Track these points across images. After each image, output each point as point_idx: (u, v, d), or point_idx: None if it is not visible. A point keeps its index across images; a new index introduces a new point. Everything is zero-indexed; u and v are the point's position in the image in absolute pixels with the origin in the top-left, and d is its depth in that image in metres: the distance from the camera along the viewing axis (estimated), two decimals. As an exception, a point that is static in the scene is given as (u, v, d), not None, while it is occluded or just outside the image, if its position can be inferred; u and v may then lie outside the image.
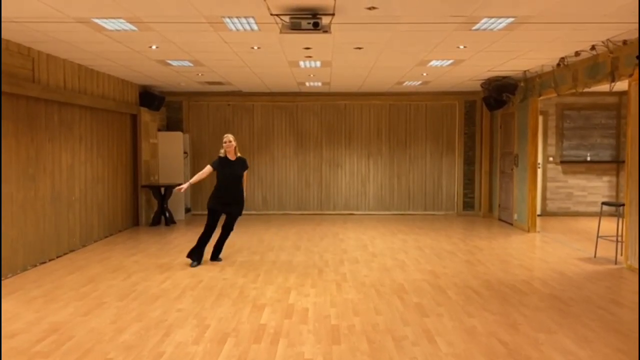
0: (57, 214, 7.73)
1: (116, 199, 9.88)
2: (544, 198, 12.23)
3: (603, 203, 7.93)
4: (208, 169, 7.25)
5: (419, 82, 10.72)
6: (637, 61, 6.40)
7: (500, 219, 11.56)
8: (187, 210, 11.97)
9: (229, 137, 7.27)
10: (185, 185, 7.26)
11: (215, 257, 7.46)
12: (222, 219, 7.40)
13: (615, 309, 5.26)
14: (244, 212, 7.46)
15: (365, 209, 12.57)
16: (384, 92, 12.15)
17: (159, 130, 11.72)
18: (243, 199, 7.39)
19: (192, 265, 7.11)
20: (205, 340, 4.40)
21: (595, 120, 12.20)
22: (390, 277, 6.55)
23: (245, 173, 7.38)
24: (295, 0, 5.02)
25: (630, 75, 6.76)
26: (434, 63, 8.46)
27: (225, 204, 7.25)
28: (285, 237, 9.40)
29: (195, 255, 7.21)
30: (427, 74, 9.62)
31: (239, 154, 7.37)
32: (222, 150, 7.26)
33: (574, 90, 8.26)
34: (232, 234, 7.50)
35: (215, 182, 7.32)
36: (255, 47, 7.22)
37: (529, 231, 9.94)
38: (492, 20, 5.76)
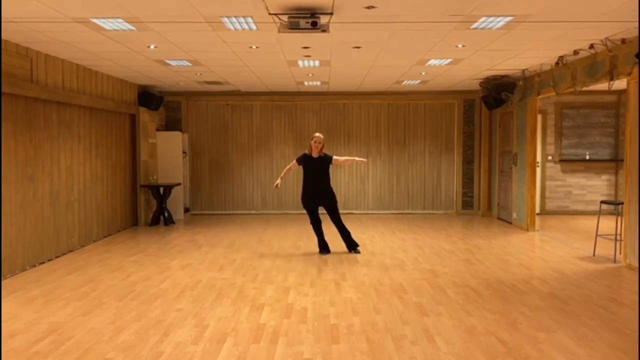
0: (56, 214, 7.73)
1: (115, 199, 9.88)
2: (543, 197, 12.23)
3: (602, 202, 7.93)
4: (293, 163, 8.00)
5: (418, 81, 10.72)
6: (636, 60, 6.40)
7: (499, 218, 11.56)
8: (186, 210, 11.96)
9: (316, 137, 7.78)
10: (278, 181, 8.01)
11: (350, 248, 7.99)
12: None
13: (614, 307, 5.26)
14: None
15: (365, 208, 12.57)
16: (383, 91, 12.15)
17: (158, 130, 11.71)
18: (331, 190, 7.89)
19: (323, 254, 7.85)
20: (204, 340, 4.39)
21: (594, 119, 12.20)
22: (389, 276, 6.55)
23: (335, 159, 7.84)
24: (293, 0, 5.02)
25: (629, 74, 6.77)
26: (432, 62, 8.46)
27: (315, 199, 7.83)
28: (284, 237, 9.40)
29: (322, 248, 7.94)
30: (425, 73, 9.62)
31: (323, 153, 7.80)
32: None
33: (572, 89, 8.26)
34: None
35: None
36: (254, 47, 7.21)
37: (528, 230, 9.94)
38: (491, 19, 5.76)
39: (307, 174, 7.81)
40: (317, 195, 7.81)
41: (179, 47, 7.18)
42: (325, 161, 7.80)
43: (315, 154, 7.74)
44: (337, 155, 7.94)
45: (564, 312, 5.10)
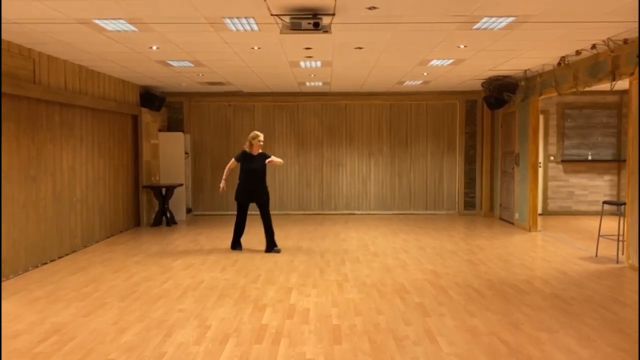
0: (58, 215, 7.74)
1: (117, 199, 9.89)
2: (545, 197, 12.22)
3: (604, 202, 7.92)
4: (232, 162, 8.13)
5: (420, 82, 10.72)
6: (637, 60, 6.39)
7: (501, 219, 11.55)
8: (189, 210, 11.97)
9: (260, 136, 8.05)
10: (222, 184, 8.14)
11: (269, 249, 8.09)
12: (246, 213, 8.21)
13: (617, 308, 5.26)
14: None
15: (367, 209, 12.57)
16: (385, 91, 12.15)
17: (160, 130, 11.73)
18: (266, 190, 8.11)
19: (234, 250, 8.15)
20: (206, 340, 4.40)
21: (596, 119, 12.18)
22: (391, 276, 6.55)
23: (267, 161, 7.93)
24: (295, 1, 5.02)
25: (631, 74, 6.76)
26: (434, 63, 8.46)
27: (250, 196, 8.03)
28: (286, 237, 9.40)
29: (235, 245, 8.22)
30: (427, 74, 9.62)
31: (260, 150, 8.03)
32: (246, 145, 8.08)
33: (574, 89, 8.25)
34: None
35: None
36: (256, 48, 7.22)
37: (530, 230, 9.93)
38: (493, 19, 5.76)
39: (245, 170, 7.99)
40: (253, 192, 8.00)
41: (181, 48, 7.19)
42: (263, 159, 7.97)
43: (255, 152, 7.97)
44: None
45: (566, 312, 5.10)
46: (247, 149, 7.99)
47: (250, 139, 7.97)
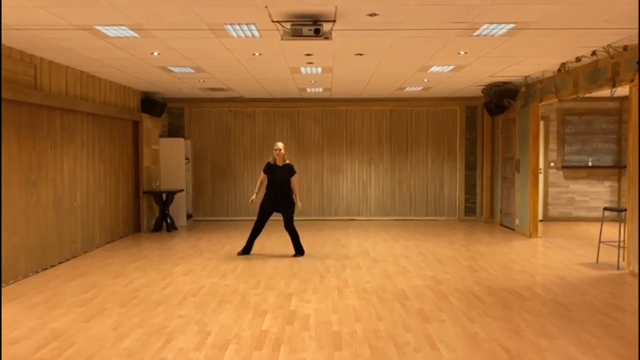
0: (59, 220, 7.74)
1: (118, 205, 9.89)
2: (545, 203, 12.22)
3: (605, 208, 7.92)
4: (262, 175, 8.25)
5: (420, 88, 10.74)
6: (637, 66, 6.41)
7: (502, 225, 11.55)
8: (189, 216, 11.97)
9: (278, 145, 8.24)
10: (254, 197, 8.35)
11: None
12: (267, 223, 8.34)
13: (617, 314, 5.25)
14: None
15: (367, 215, 12.56)
16: (385, 97, 12.17)
17: (161, 136, 11.74)
18: (291, 200, 8.15)
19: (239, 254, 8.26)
20: (206, 346, 4.39)
21: (597, 126, 12.19)
22: (392, 283, 6.55)
23: (293, 178, 8.11)
24: (296, 7, 5.04)
25: (631, 81, 6.77)
26: (435, 69, 8.48)
27: (274, 205, 8.17)
28: (286, 243, 9.37)
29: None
30: (428, 80, 9.63)
31: (287, 161, 8.21)
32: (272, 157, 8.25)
33: (575, 96, 8.26)
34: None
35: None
36: (257, 54, 7.24)
37: (530, 236, 9.92)
38: (493, 26, 5.78)
39: (272, 181, 8.12)
40: (277, 201, 8.12)
41: (182, 54, 7.21)
42: (290, 170, 8.14)
43: (279, 163, 8.13)
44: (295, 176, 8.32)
45: (566, 318, 5.09)
46: (271, 161, 8.20)
47: (273, 150, 8.23)
